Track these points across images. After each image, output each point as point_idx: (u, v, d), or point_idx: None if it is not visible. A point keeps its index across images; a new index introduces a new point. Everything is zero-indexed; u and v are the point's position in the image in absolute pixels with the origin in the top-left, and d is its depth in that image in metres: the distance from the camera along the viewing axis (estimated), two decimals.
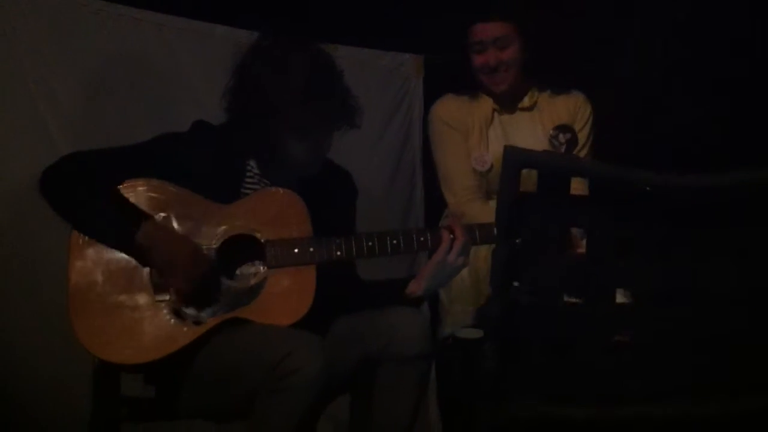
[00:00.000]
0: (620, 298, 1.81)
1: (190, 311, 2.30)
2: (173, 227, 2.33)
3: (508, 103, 2.98)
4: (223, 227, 2.36)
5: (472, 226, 2.46)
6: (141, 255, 2.29)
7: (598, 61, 3.46)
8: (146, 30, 3.34)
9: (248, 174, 2.46)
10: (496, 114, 2.99)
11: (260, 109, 2.36)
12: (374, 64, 3.75)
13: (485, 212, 2.81)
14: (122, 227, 2.28)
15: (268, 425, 2.16)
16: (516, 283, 1.69)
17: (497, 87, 2.93)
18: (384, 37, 3.71)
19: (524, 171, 1.67)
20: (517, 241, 1.68)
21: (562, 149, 2.93)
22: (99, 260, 2.30)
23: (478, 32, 2.89)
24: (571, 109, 2.99)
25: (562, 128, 2.95)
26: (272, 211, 2.38)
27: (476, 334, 1.89)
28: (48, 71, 3.16)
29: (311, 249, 2.34)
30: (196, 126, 2.47)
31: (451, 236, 2.39)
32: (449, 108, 3.00)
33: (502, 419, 1.70)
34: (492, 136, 2.96)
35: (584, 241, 1.78)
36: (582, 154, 2.97)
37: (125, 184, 2.33)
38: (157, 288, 2.31)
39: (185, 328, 2.28)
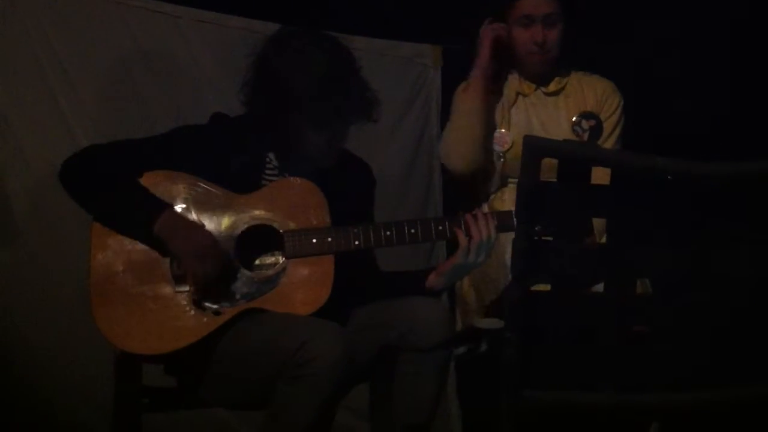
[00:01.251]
0: (638, 288, 1.80)
1: (209, 302, 2.31)
2: (192, 217, 2.34)
3: (535, 85, 2.95)
4: (242, 217, 2.37)
5: (489, 214, 2.45)
6: (160, 245, 2.30)
7: (620, 48, 3.43)
8: (163, 22, 3.34)
9: (267, 165, 2.47)
10: (520, 96, 2.95)
11: (278, 101, 2.36)
12: (392, 54, 3.73)
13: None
14: (141, 217, 2.29)
15: (287, 413, 2.17)
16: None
17: (539, 66, 2.89)
18: (402, 27, 3.69)
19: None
20: (537, 228, 1.67)
21: (585, 136, 2.88)
22: (120, 251, 2.31)
23: (527, 6, 2.84)
24: (598, 96, 2.93)
25: (587, 115, 2.91)
26: (291, 201, 2.39)
27: (496, 324, 1.88)
28: (67, 65, 3.17)
29: (329, 239, 2.35)
30: (214, 118, 2.49)
31: (468, 237, 2.38)
32: None
33: (522, 407, 1.70)
34: (514, 117, 2.92)
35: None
36: (608, 144, 2.91)
37: (145, 176, 2.34)
38: (178, 279, 2.32)
39: (205, 319, 2.29)
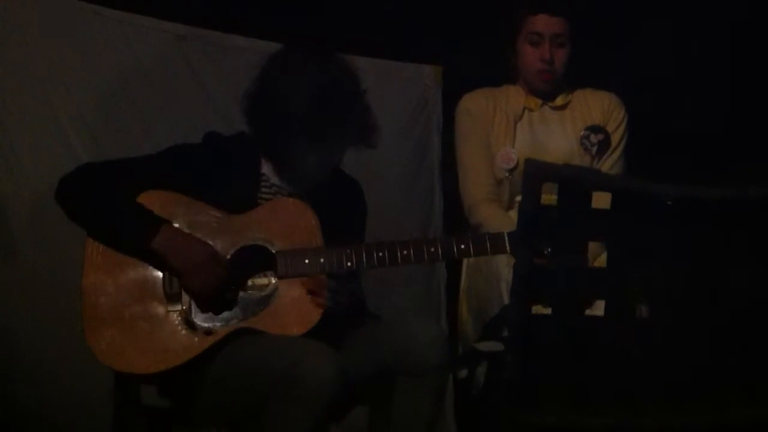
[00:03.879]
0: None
1: (201, 321, 2.30)
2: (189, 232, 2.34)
3: (541, 100, 2.95)
4: (235, 238, 2.36)
5: (483, 235, 2.44)
6: (158, 260, 2.30)
7: (622, 62, 3.44)
8: (165, 41, 3.35)
9: (263, 184, 2.47)
10: (526, 111, 2.94)
11: (276, 118, 2.36)
12: (394, 76, 3.74)
13: (497, 218, 2.77)
14: (139, 232, 2.29)
15: None
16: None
17: (545, 85, 2.88)
18: (404, 48, 3.70)
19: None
20: (546, 252, 1.67)
21: (594, 150, 2.87)
22: (112, 270, 2.31)
23: (538, 23, 2.83)
24: (605, 109, 2.92)
25: (595, 129, 2.89)
26: (283, 221, 2.39)
27: (497, 347, 1.88)
28: (69, 81, 3.18)
29: (322, 259, 2.35)
30: (208, 137, 2.48)
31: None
32: (475, 98, 2.95)
33: (522, 429, 1.69)
34: (520, 133, 2.91)
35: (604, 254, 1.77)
36: (614, 157, 2.90)
37: (140, 196, 2.34)
38: (170, 298, 2.31)
39: (196, 339, 2.29)
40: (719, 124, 3.46)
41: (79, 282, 2.30)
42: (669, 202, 1.68)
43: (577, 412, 1.72)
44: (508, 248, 2.35)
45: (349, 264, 2.35)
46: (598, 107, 2.93)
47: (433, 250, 2.39)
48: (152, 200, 2.34)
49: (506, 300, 2.64)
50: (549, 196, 1.73)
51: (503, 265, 2.65)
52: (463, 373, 2.74)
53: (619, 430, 1.74)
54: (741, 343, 1.73)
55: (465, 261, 2.93)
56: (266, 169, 2.48)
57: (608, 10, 3.42)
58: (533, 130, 2.92)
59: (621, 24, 3.52)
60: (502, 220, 2.73)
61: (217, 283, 2.29)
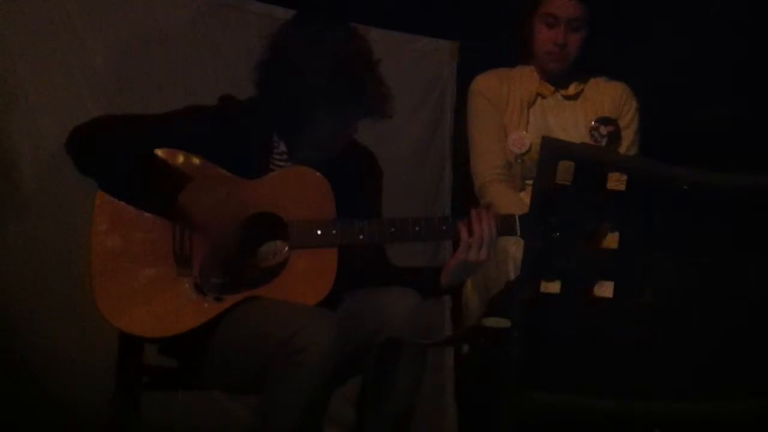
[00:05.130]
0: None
1: (211, 287, 2.30)
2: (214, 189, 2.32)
3: (553, 86, 2.93)
4: (247, 204, 2.35)
5: (495, 216, 2.43)
6: (183, 215, 2.28)
7: (638, 52, 3.42)
8: (183, 3, 3.33)
9: (275, 151, 2.45)
10: (539, 97, 2.94)
11: (291, 86, 2.35)
12: (408, 48, 3.72)
13: (507, 197, 2.78)
14: (166, 184, 2.27)
15: (281, 400, 2.17)
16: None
17: (555, 65, 2.88)
18: (420, 21, 3.68)
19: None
20: (555, 236, 1.67)
21: (603, 142, 2.88)
22: (123, 231, 2.30)
23: (555, 6, 2.83)
24: (616, 100, 2.93)
25: (605, 120, 2.89)
26: (297, 190, 2.37)
27: (503, 323, 1.87)
28: (85, 36, 3.16)
29: (334, 231, 2.34)
30: (222, 100, 2.46)
31: (470, 234, 2.36)
32: (489, 80, 2.95)
33: (525, 409, 1.70)
34: (532, 118, 2.91)
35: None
36: (624, 149, 2.90)
37: (155, 152, 2.31)
38: (180, 262, 2.30)
39: (206, 305, 2.28)
40: (728, 123, 3.45)
41: (88, 243, 2.29)
42: (685, 187, 1.67)
43: (581, 394, 1.73)
44: (518, 231, 2.34)
45: (360, 237, 2.34)
46: (609, 98, 2.93)
47: (444, 228, 2.39)
48: (165, 157, 2.31)
49: (513, 277, 2.65)
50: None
51: (511, 243, 2.65)
52: (466, 348, 2.75)
53: (622, 413, 1.75)
54: (750, 332, 1.73)
55: None
56: (279, 137, 2.47)
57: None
58: (545, 117, 2.92)
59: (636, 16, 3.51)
60: (513, 200, 2.73)
61: (240, 244, 2.29)
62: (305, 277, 2.32)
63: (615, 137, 2.89)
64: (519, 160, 2.86)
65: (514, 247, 2.65)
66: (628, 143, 2.93)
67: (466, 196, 3.14)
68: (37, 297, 3.01)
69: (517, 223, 2.34)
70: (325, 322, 2.18)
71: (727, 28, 3.48)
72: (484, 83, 2.95)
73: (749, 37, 3.45)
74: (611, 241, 1.88)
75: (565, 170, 1.72)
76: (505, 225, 2.37)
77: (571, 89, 2.94)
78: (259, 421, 2.21)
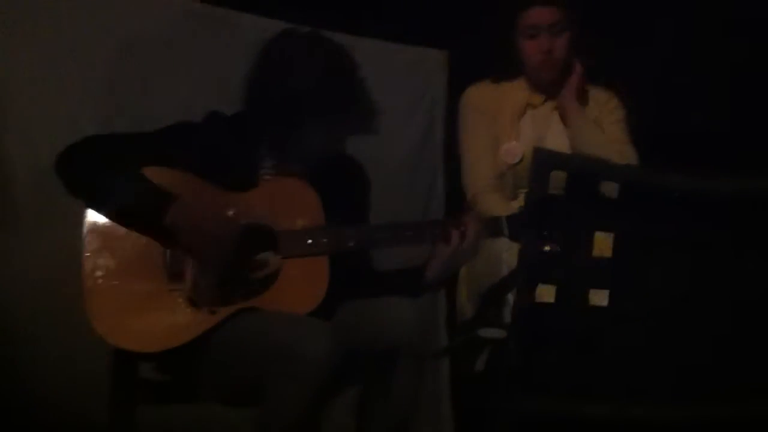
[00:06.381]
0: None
1: (204, 300, 2.29)
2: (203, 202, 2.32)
3: (544, 95, 2.95)
4: (236, 216, 2.35)
5: (482, 219, 2.44)
6: (169, 235, 2.28)
7: (628, 56, 3.43)
8: (174, 15, 3.33)
9: (263, 163, 2.47)
10: (529, 108, 2.96)
11: (278, 97, 2.37)
12: (397, 58, 3.72)
13: (499, 207, 2.79)
14: (152, 205, 2.27)
15: (279, 409, 2.17)
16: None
17: (547, 73, 2.90)
18: (409, 31, 3.68)
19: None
20: (547, 249, 1.67)
21: None
22: (113, 246, 2.30)
23: (532, 16, 2.85)
24: (600, 103, 2.96)
25: None
26: (285, 200, 2.39)
27: (499, 334, 1.88)
28: (77, 53, 3.15)
29: (324, 239, 2.35)
30: (210, 116, 2.48)
31: (462, 230, 2.37)
32: (480, 92, 2.98)
33: (521, 415, 1.70)
34: (523, 129, 2.93)
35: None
36: (617, 157, 2.92)
37: (143, 171, 2.32)
38: (172, 277, 2.31)
39: (200, 317, 2.29)
40: (726, 123, 3.46)
41: (79, 258, 2.28)
42: (676, 194, 1.68)
43: (577, 401, 1.73)
44: (506, 232, 2.36)
45: (351, 244, 2.36)
46: (594, 104, 2.96)
47: (435, 232, 2.41)
48: (153, 176, 2.32)
49: (507, 285, 2.67)
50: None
51: (504, 250, 2.66)
52: (462, 357, 2.76)
53: (619, 420, 1.75)
54: (745, 337, 1.74)
55: None
56: (267, 149, 2.47)
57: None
58: (535, 128, 2.95)
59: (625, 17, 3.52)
60: (505, 209, 2.74)
61: (234, 256, 2.28)
62: (298, 286, 2.33)
63: None
64: (512, 171, 2.87)
65: (506, 254, 2.66)
66: (613, 119, 2.92)
67: (458, 202, 3.15)
68: (25, 310, 3.00)
69: (505, 224, 2.36)
70: (320, 333, 2.19)
71: (728, 28, 3.49)
72: (475, 95, 2.98)
73: (749, 37, 3.46)
74: (605, 249, 1.89)
75: (557, 180, 1.73)
76: (491, 227, 2.38)
77: None
78: (258, 429, 2.22)
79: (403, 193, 3.66)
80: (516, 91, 2.96)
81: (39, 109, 3.09)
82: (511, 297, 2.61)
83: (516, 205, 2.81)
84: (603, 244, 2.03)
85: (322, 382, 2.15)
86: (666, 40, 3.51)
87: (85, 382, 2.93)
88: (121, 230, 2.31)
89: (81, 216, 2.33)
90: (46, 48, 3.11)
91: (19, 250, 3.02)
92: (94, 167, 2.30)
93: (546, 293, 1.79)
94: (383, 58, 3.52)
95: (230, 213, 2.35)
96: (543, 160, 1.66)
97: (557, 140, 2.91)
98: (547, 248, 1.69)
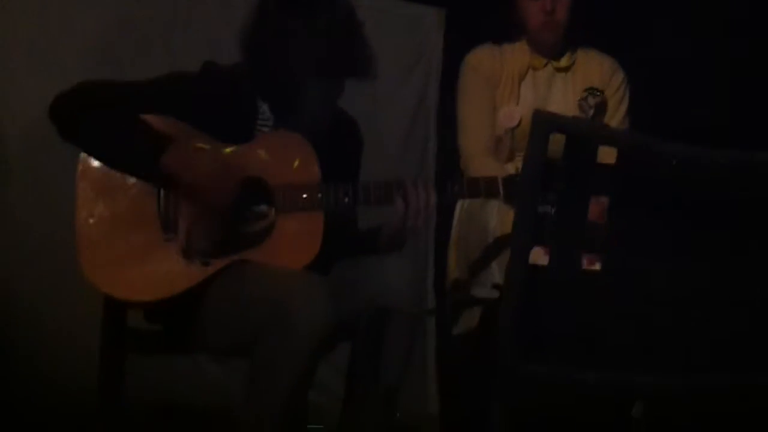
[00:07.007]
0: None
1: (198, 251, 2.29)
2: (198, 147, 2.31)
3: (546, 58, 2.94)
4: (232, 169, 2.34)
5: (477, 178, 2.45)
6: (165, 179, 2.27)
7: (636, 30, 3.43)
8: None
9: (261, 116, 2.45)
10: (531, 70, 2.95)
11: (275, 48, 2.34)
12: (394, 15, 3.71)
13: (494, 170, 2.77)
14: (148, 148, 2.25)
15: (271, 365, 2.17)
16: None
17: (549, 35, 2.88)
18: None
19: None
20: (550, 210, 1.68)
21: (591, 113, 2.89)
22: (107, 196, 2.29)
23: None
24: (603, 71, 2.95)
25: (592, 91, 2.91)
26: (281, 154, 2.38)
27: (494, 294, 1.88)
28: (69, 9, 3.12)
29: (320, 194, 2.35)
30: (206, 66, 2.45)
31: (405, 204, 2.36)
32: (482, 56, 2.96)
33: (516, 380, 1.71)
34: (524, 92, 2.93)
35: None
36: (614, 123, 2.92)
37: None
38: (166, 227, 2.30)
39: (193, 269, 2.28)
40: (726, 116, 3.47)
41: (73, 208, 2.27)
42: (674, 162, 1.68)
43: (571, 365, 1.74)
44: (501, 192, 2.35)
45: (346, 200, 2.36)
46: (597, 70, 2.95)
47: (424, 191, 2.39)
48: (148, 121, 2.29)
49: (496, 249, 2.68)
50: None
51: (491, 217, 2.68)
52: (449, 318, 2.77)
53: (613, 385, 1.76)
54: (740, 306, 1.75)
55: (458, 212, 2.94)
56: (263, 102, 2.46)
57: None
58: (536, 90, 2.94)
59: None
60: (500, 171, 2.74)
61: (231, 199, 2.28)
62: (292, 240, 2.33)
63: (602, 108, 2.91)
64: (509, 134, 2.87)
65: (493, 222, 2.68)
66: (619, 116, 2.95)
67: (450, 166, 3.15)
68: (19, 263, 3.00)
69: (500, 185, 2.35)
70: (316, 288, 2.18)
71: (727, 28, 3.48)
72: (477, 59, 2.96)
73: (749, 36, 3.46)
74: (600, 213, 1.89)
75: (555, 143, 1.73)
76: (488, 187, 2.38)
77: (564, 61, 2.95)
78: (248, 383, 2.21)
79: (396, 153, 3.67)
80: (517, 53, 2.95)
81: (29, 67, 3.07)
82: (499, 262, 2.65)
83: (512, 167, 2.83)
84: (598, 208, 2.04)
85: (316, 336, 2.15)
86: (665, 37, 3.51)
87: (75, 336, 2.95)
88: (115, 180, 2.30)
89: (73, 169, 2.32)
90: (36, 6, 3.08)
91: (12, 201, 3.01)
92: (88, 109, 2.27)
93: (540, 255, 1.80)
94: (380, 14, 3.50)
95: (226, 164, 2.34)
96: (542, 122, 1.65)
97: (559, 103, 2.90)
98: (543, 210, 1.69)
